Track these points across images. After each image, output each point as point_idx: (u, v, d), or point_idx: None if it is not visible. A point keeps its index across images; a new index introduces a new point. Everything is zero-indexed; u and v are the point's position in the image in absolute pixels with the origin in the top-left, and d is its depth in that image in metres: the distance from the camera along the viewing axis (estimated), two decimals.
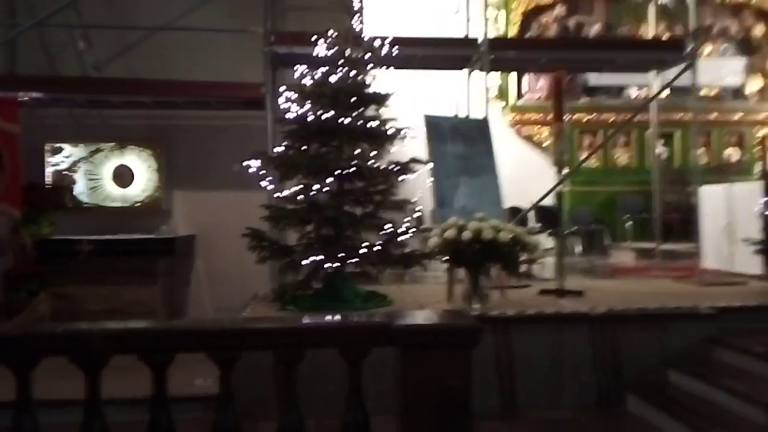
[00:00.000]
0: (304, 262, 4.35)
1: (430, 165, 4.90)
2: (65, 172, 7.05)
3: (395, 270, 4.55)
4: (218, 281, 6.93)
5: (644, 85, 10.50)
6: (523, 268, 4.53)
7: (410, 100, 4.76)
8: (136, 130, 7.05)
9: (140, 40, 6.63)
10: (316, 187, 4.42)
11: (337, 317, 3.17)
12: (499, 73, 8.90)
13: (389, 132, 4.54)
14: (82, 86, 6.36)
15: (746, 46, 10.55)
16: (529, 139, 10.21)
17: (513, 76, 10.01)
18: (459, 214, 4.84)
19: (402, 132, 4.56)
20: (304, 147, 4.42)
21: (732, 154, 10.43)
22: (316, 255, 4.30)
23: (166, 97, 6.40)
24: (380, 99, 4.57)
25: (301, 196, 4.48)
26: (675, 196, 10.01)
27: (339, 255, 4.29)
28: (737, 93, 10.57)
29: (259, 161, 4.57)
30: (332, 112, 4.35)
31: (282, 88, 4.66)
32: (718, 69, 10.06)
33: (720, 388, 3.75)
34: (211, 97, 6.38)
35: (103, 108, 6.80)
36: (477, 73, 6.70)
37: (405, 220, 4.64)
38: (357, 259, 4.34)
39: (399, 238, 4.48)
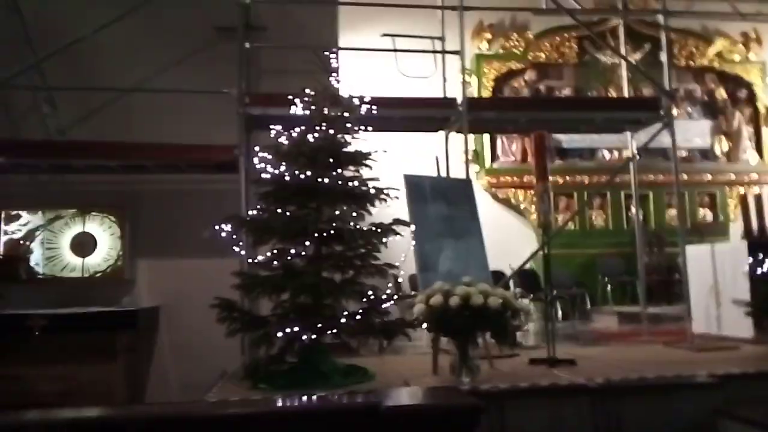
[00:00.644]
0: (278, 334, 3.98)
1: (413, 227, 4.66)
2: (21, 241, 6.61)
3: (376, 341, 4.19)
4: (184, 357, 6.43)
5: (616, 148, 10.70)
6: (514, 335, 4.23)
7: (389, 160, 4.56)
8: (100, 195, 6.71)
9: (107, 103, 6.40)
10: (292, 251, 4.11)
11: (317, 398, 2.82)
12: (473, 137, 8.92)
13: (370, 192, 4.30)
14: (45, 150, 6.04)
15: (711, 108, 10.89)
16: (505, 202, 10.17)
17: (487, 140, 10.09)
18: (444, 279, 4.57)
19: (384, 192, 4.33)
20: (280, 210, 4.14)
21: (705, 214, 10.52)
22: (292, 326, 3.94)
23: (134, 161, 6.11)
24: (360, 158, 4.36)
25: (276, 262, 4.16)
26: (653, 257, 9.98)
27: (317, 325, 3.95)
28: (706, 154, 10.80)
29: (231, 225, 4.26)
30: (310, 173, 4.12)
31: (257, 148, 4.42)
32: (687, 131, 10.29)
33: None
34: (181, 160, 6.12)
35: (66, 173, 6.46)
36: (454, 135, 6.63)
37: (388, 286, 4.34)
38: (336, 330, 4.00)
39: (382, 306, 4.17)
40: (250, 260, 4.40)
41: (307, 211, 4.19)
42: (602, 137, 10.36)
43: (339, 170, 4.27)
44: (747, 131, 10.80)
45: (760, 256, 5.48)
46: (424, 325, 4.11)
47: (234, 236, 4.36)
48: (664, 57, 6.26)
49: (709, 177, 10.53)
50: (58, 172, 6.43)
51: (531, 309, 4.16)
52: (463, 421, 2.35)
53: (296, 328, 3.91)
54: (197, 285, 5.86)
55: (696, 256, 6.40)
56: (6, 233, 6.62)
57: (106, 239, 6.72)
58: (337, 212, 4.17)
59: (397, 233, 4.34)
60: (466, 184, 5.39)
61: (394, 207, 4.65)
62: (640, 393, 4.01)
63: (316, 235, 4.09)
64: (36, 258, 6.64)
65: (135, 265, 6.77)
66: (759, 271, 5.50)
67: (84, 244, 6.69)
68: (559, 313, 8.20)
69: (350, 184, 4.18)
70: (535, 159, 5.05)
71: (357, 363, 4.48)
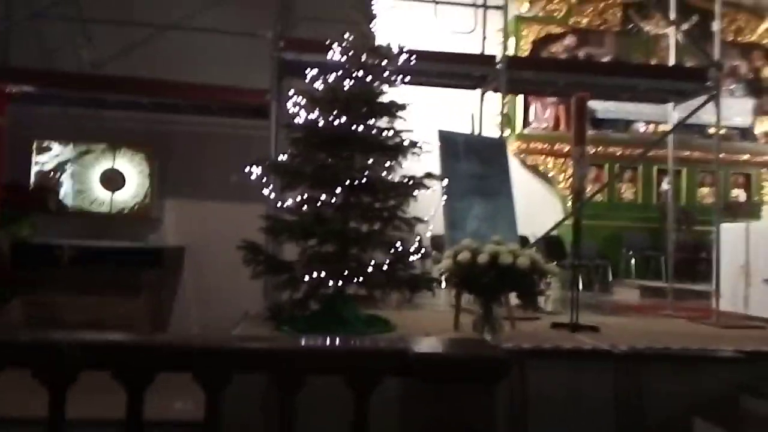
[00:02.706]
0: (303, 279, 3.99)
1: (444, 182, 4.59)
2: (51, 173, 6.68)
3: (400, 293, 4.18)
4: (207, 297, 6.52)
5: (652, 121, 10.40)
6: (540, 297, 4.19)
7: (424, 114, 4.47)
8: (130, 132, 6.72)
9: (142, 40, 6.33)
10: (322, 198, 4.08)
11: (343, 340, 2.81)
12: (506, 100, 8.73)
13: (403, 144, 4.23)
14: (77, 82, 6.03)
15: (755, 87, 10.48)
16: (533, 169, 9.99)
17: (520, 104, 9.86)
18: (471, 238, 4.53)
19: (416, 145, 4.26)
20: (311, 156, 4.09)
21: (738, 195, 10.26)
22: (318, 272, 3.94)
23: (166, 99, 6.08)
24: (395, 109, 4.27)
25: (305, 208, 4.14)
26: (681, 235, 9.80)
27: (342, 274, 3.94)
28: (746, 133, 10.46)
29: (261, 168, 4.23)
30: (343, 120, 4.05)
31: (291, 92, 4.35)
32: (728, 108, 9.93)
33: None
34: (213, 101, 6.07)
35: (98, 107, 6.47)
36: (490, 96, 6.48)
37: (415, 239, 4.30)
38: (361, 280, 3.99)
39: (408, 259, 4.14)
40: (278, 204, 4.38)
41: (339, 159, 4.13)
42: (638, 109, 10.08)
43: (373, 120, 4.18)
44: None
45: None
46: (449, 282, 4.09)
47: (263, 180, 4.34)
48: (716, 26, 5.98)
49: (745, 157, 10.20)
50: (90, 106, 6.44)
51: (558, 272, 4.10)
52: (491, 374, 2.30)
53: (321, 275, 3.90)
54: (223, 227, 5.90)
55: (729, 234, 6.26)
56: (37, 164, 6.69)
57: (135, 176, 6.77)
58: (369, 162, 4.11)
59: (427, 187, 4.28)
60: (500, 144, 5.28)
61: (426, 162, 4.57)
62: (664, 362, 3.97)
63: (346, 183, 4.04)
64: (66, 191, 6.72)
65: (163, 204, 6.83)
66: None
67: (113, 180, 6.74)
68: (581, 282, 8.12)
69: (383, 134, 4.11)
70: (574, 122, 4.91)
71: (378, 315, 4.49)
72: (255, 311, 4.94)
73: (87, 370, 1.93)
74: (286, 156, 4.45)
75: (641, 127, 10.36)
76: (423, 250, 4.17)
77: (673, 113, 6.49)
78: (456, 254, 4.10)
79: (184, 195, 6.72)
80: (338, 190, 3.96)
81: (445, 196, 4.62)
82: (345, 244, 4.10)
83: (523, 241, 6.52)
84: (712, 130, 9.62)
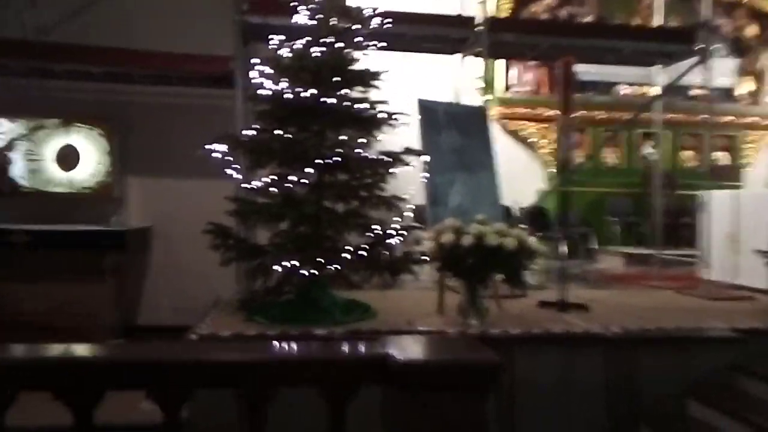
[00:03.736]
0: (275, 266, 3.68)
1: (424, 158, 4.28)
2: (1, 151, 6.18)
3: (380, 277, 3.91)
4: (178, 279, 6.19)
5: (635, 83, 10.12)
6: (527, 278, 3.95)
7: (400, 83, 4.11)
8: (84, 105, 6.22)
9: (91, 2, 5.79)
10: (292, 178, 3.74)
11: (317, 347, 2.55)
12: (486, 64, 8.34)
13: (379, 116, 3.89)
14: (22, 51, 5.50)
15: (738, 46, 10.23)
16: (514, 134, 9.70)
17: (500, 67, 9.49)
18: (454, 215, 4.25)
19: (393, 117, 3.92)
20: (280, 130, 3.73)
21: (720, 158, 10.11)
22: (291, 258, 3.64)
23: (120, 68, 5.59)
24: (369, 78, 3.91)
25: (275, 189, 3.80)
26: (663, 199, 9.64)
27: (317, 259, 3.64)
28: (728, 94, 10.26)
29: (226, 145, 3.86)
30: (314, 91, 3.69)
31: (255, 61, 3.95)
32: (710, 69, 9.71)
33: (744, 423, 3.29)
34: (172, 70, 5.61)
35: (47, 78, 5.94)
36: (470, 62, 6.12)
37: (395, 219, 4.00)
38: (337, 265, 3.70)
39: (387, 241, 3.85)
40: (245, 185, 4.03)
41: (309, 134, 3.78)
42: (620, 71, 9.79)
43: (345, 90, 3.83)
44: None
45: None
46: (431, 264, 3.83)
47: (229, 158, 3.98)
48: None
49: (728, 119, 10.01)
50: (37, 77, 5.91)
51: (545, 251, 3.86)
52: (482, 382, 2.06)
53: (295, 262, 3.60)
54: (191, 206, 5.54)
55: (717, 201, 6.08)
56: None
57: (93, 153, 6.30)
58: (342, 137, 3.77)
59: (406, 164, 3.96)
60: (480, 112, 4.96)
61: (404, 135, 4.24)
62: (658, 344, 3.79)
63: (318, 161, 3.71)
64: (17, 170, 6.25)
65: (125, 183, 6.40)
66: None
67: (69, 157, 6.28)
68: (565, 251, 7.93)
69: (357, 106, 3.76)
70: (560, 88, 4.60)
71: (358, 298, 4.22)
72: (227, 297, 4.64)
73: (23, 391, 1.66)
74: (253, 131, 4.08)
75: (624, 90, 10.09)
76: (404, 232, 3.88)
77: (658, 75, 6.21)
78: (439, 235, 3.82)
79: (148, 172, 6.30)
80: (309, 169, 3.62)
81: (424, 172, 4.32)
82: (319, 226, 3.79)
83: (506, 211, 6.29)
84: (694, 92, 9.42)
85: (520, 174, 8.54)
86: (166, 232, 6.30)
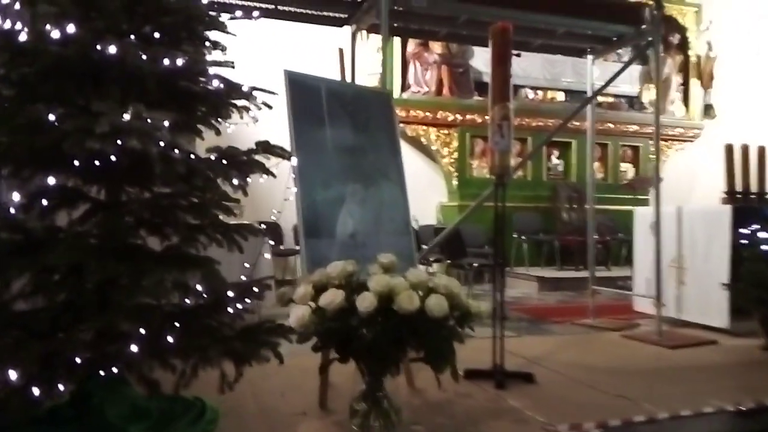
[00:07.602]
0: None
1: (295, 161, 2.70)
2: None
3: (215, 369, 2.23)
4: None
5: (540, 87, 9.24)
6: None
7: (265, 49, 2.50)
8: None
9: None
10: (48, 192, 2.01)
11: None
12: (381, 57, 6.92)
13: (217, 90, 2.25)
14: None
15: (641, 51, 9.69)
16: (414, 141, 8.41)
17: (397, 65, 8.18)
18: (343, 252, 2.71)
19: (245, 93, 2.31)
20: (15, 108, 1.96)
21: (627, 169, 9.45)
22: (11, 366, 1.85)
23: None
24: (203, 24, 2.27)
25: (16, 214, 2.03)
26: (572, 215, 8.78)
27: (75, 358, 1.91)
28: (632, 102, 9.68)
29: None
30: (79, 31, 1.97)
31: None
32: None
33: None
34: None
35: None
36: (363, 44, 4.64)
37: (245, 264, 2.37)
38: (117, 362, 2.00)
39: (233, 305, 2.22)
40: None
41: (71, 113, 2.00)
42: (525, 72, 8.85)
43: (154, 32, 2.16)
44: (676, 81, 9.76)
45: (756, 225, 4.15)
46: (306, 339, 2.25)
47: None
48: None
49: (634, 128, 9.41)
50: None
51: (487, 310, 2.41)
52: None
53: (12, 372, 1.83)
54: None
55: (647, 218, 5.04)
56: None
57: None
58: (145, 120, 2.05)
59: (267, 172, 2.35)
60: (384, 99, 3.47)
61: (267, 125, 2.64)
62: None
63: (77, 162, 1.97)
64: None
65: None
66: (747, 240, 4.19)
67: None
68: (471, 277, 6.66)
69: (173, 62, 2.08)
70: (494, 66, 3.23)
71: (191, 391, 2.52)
72: None
73: None
74: None
75: (530, 94, 9.16)
76: (254, 289, 2.26)
77: (591, 68, 5.14)
78: (317, 290, 2.26)
79: None
80: (68, 179, 1.90)
81: (296, 185, 2.72)
82: (83, 290, 2.05)
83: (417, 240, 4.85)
84: (600, 98, 8.65)
85: (420, 186, 7.23)
86: None
